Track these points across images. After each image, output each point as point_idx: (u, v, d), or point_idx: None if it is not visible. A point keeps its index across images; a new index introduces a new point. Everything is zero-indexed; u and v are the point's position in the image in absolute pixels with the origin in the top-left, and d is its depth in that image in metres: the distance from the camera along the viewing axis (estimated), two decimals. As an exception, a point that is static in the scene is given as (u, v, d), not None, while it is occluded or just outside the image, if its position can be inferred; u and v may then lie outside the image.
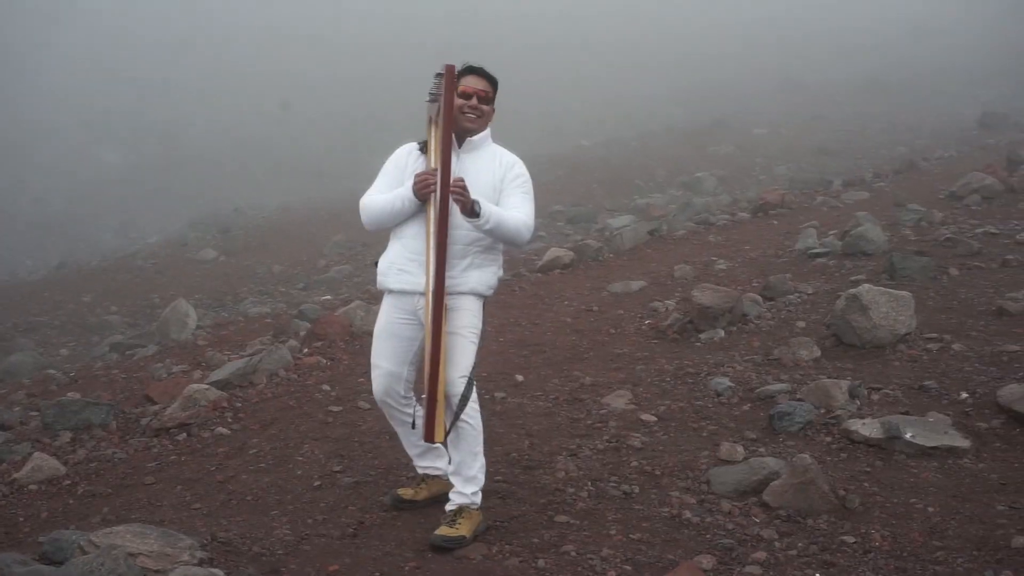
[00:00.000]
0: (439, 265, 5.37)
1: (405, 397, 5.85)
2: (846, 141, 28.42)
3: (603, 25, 54.90)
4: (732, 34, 51.93)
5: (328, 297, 15.66)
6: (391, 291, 5.77)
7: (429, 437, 5.50)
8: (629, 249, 14.68)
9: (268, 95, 46.44)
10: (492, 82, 5.78)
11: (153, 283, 19.99)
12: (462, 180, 5.38)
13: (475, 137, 5.71)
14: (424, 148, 5.73)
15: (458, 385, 5.51)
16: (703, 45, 50.32)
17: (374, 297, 13.34)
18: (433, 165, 5.53)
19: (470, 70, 5.76)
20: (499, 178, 5.70)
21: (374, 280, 5.96)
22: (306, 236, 22.72)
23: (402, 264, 5.66)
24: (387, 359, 5.80)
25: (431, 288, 5.39)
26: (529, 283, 12.94)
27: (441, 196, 5.38)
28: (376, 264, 5.87)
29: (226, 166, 38.20)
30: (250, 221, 25.76)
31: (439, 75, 5.57)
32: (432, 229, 5.47)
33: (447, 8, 57.13)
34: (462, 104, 5.62)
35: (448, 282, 5.48)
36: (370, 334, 10.36)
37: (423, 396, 5.49)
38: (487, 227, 5.46)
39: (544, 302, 11.76)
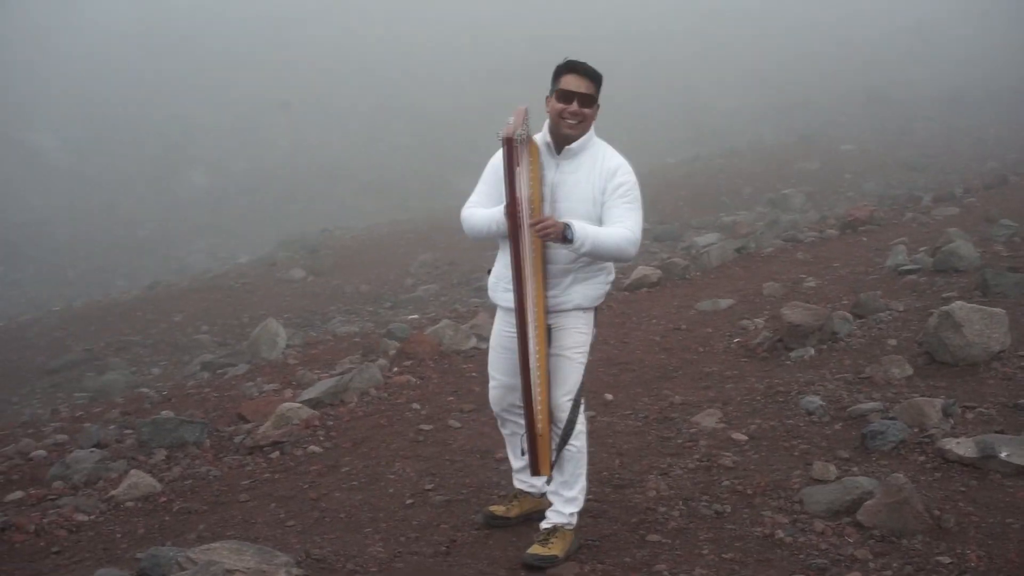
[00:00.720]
0: (520, 317, 5.29)
1: (519, 407, 5.69)
2: (934, 156, 28.10)
3: (687, 43, 54.81)
4: (816, 50, 51.62)
5: (415, 316, 15.73)
6: (499, 306, 5.71)
7: (535, 471, 5.47)
8: (716, 267, 14.61)
9: (353, 118, 46.96)
10: (596, 80, 5.46)
11: (243, 303, 20.21)
12: (546, 219, 5.17)
13: (575, 144, 5.46)
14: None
15: (564, 408, 5.47)
16: (788, 61, 50.08)
17: (462, 317, 13.42)
18: (525, 188, 5.35)
19: (570, 67, 5.47)
20: (599, 188, 5.44)
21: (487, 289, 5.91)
22: (392, 256, 22.88)
23: (507, 282, 5.46)
24: (501, 371, 5.76)
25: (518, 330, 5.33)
26: (617, 301, 12.91)
27: (514, 265, 5.24)
28: (489, 272, 5.81)
29: (313, 187, 38.68)
30: (337, 241, 25.98)
31: (553, 74, 5.51)
32: (525, 258, 5.35)
33: (525, 32, 57.34)
34: (562, 108, 5.39)
35: (552, 301, 5.45)
36: (459, 353, 10.52)
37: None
38: (583, 251, 5.26)
39: (632, 320, 11.74)
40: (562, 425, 5.48)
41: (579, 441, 5.57)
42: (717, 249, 15.40)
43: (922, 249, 13.17)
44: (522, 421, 5.65)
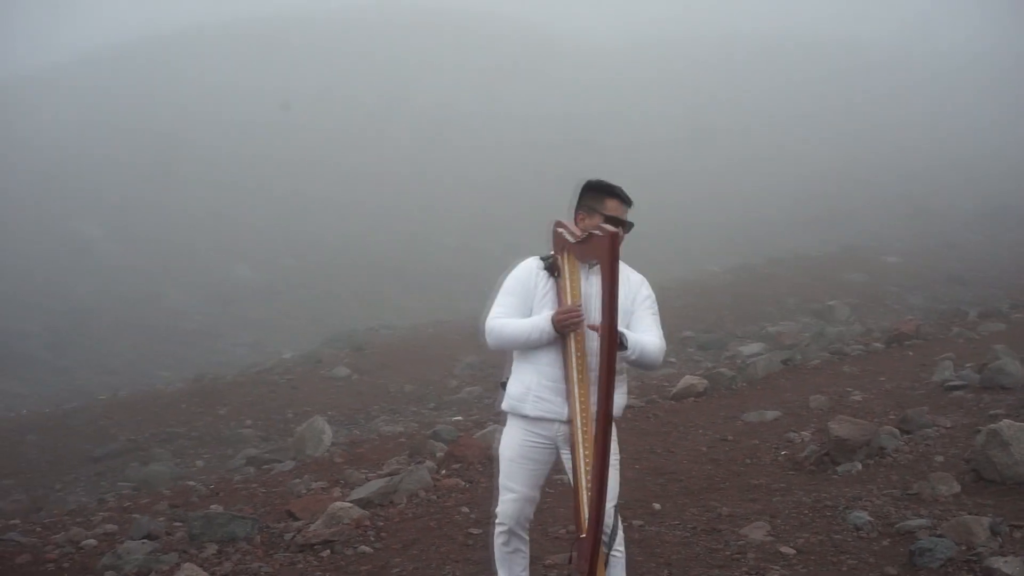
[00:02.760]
0: (603, 428, 5.15)
1: (530, 522, 5.78)
2: (980, 270, 28.11)
3: (731, 151, 55.17)
4: (859, 161, 51.86)
5: (459, 418, 15.81)
6: (527, 416, 5.61)
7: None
8: (763, 378, 14.65)
9: (399, 216, 47.42)
10: (630, 205, 5.69)
11: (287, 398, 20.33)
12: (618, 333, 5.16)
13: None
14: (551, 269, 5.62)
15: (610, 514, 5.45)
16: (831, 172, 50.31)
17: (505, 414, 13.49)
18: (570, 297, 5.51)
19: (612, 191, 5.66)
20: (630, 299, 5.57)
21: (499, 401, 5.86)
22: (436, 356, 22.97)
23: (540, 392, 5.50)
24: (523, 483, 5.64)
25: (594, 436, 5.24)
26: (663, 410, 12.97)
27: (607, 351, 5.02)
28: (503, 385, 5.78)
29: (358, 284, 38.98)
30: (382, 340, 26.13)
31: (585, 192, 5.64)
32: (572, 365, 5.45)
33: (567, 136, 57.94)
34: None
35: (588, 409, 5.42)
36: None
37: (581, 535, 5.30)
38: (633, 358, 5.39)
39: (679, 430, 11.79)
40: (609, 531, 5.46)
41: (622, 547, 5.62)
42: (764, 360, 15.44)
43: (968, 365, 13.18)
44: (527, 538, 5.77)
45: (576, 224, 5.67)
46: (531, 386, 5.57)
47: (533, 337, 5.48)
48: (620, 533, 5.62)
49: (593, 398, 5.35)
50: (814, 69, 68.28)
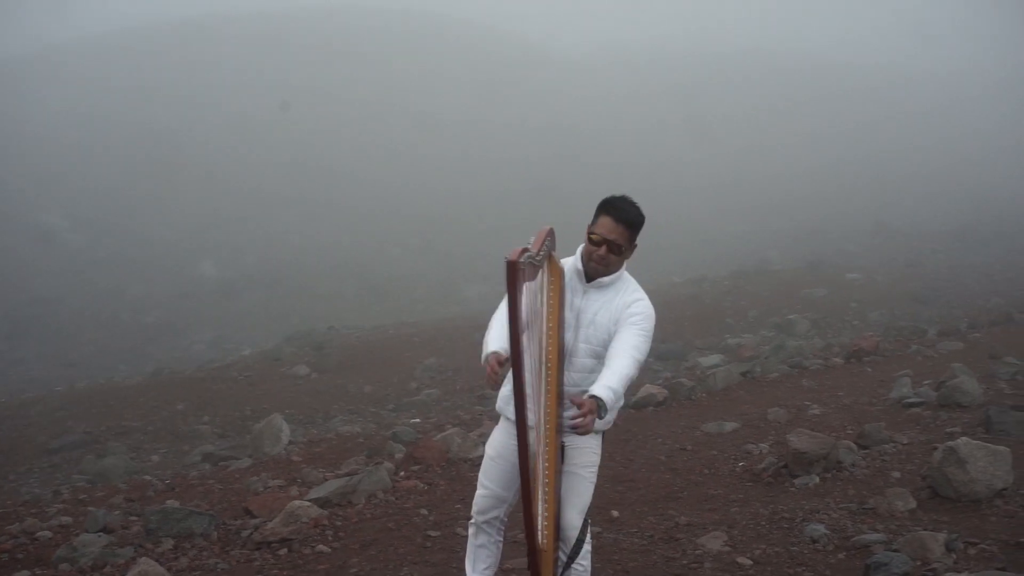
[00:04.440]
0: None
1: (502, 523, 5.80)
2: (941, 289, 28.27)
3: (700, 170, 55.46)
4: (826, 176, 52.23)
5: (418, 420, 15.79)
6: (508, 419, 5.66)
7: None
8: (722, 389, 14.71)
9: (364, 218, 47.40)
10: (632, 225, 5.51)
11: (246, 396, 20.26)
12: (581, 417, 5.02)
13: (604, 279, 5.58)
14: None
15: (575, 525, 5.48)
16: (797, 187, 50.62)
17: (466, 424, 13.50)
18: (545, 306, 5.48)
19: (608, 208, 5.52)
20: (612, 320, 5.53)
21: (495, 399, 5.88)
22: (398, 358, 22.95)
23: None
24: (496, 482, 5.70)
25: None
26: (622, 419, 12.99)
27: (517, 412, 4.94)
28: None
29: (321, 285, 38.92)
30: (343, 340, 26.07)
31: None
32: (541, 375, 5.41)
33: (543, 149, 58.07)
34: (592, 250, 5.51)
35: (569, 422, 5.29)
36: (466, 461, 10.59)
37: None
38: (617, 407, 5.46)
39: (638, 439, 11.82)
40: (571, 544, 5.49)
41: (586, 560, 5.61)
42: (723, 372, 15.50)
43: (926, 382, 13.29)
44: (498, 537, 5.78)
45: (586, 233, 5.60)
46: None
47: (483, 361, 5.38)
48: (587, 548, 5.61)
49: (572, 410, 5.22)
50: (807, 86, 68.72)
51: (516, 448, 5.24)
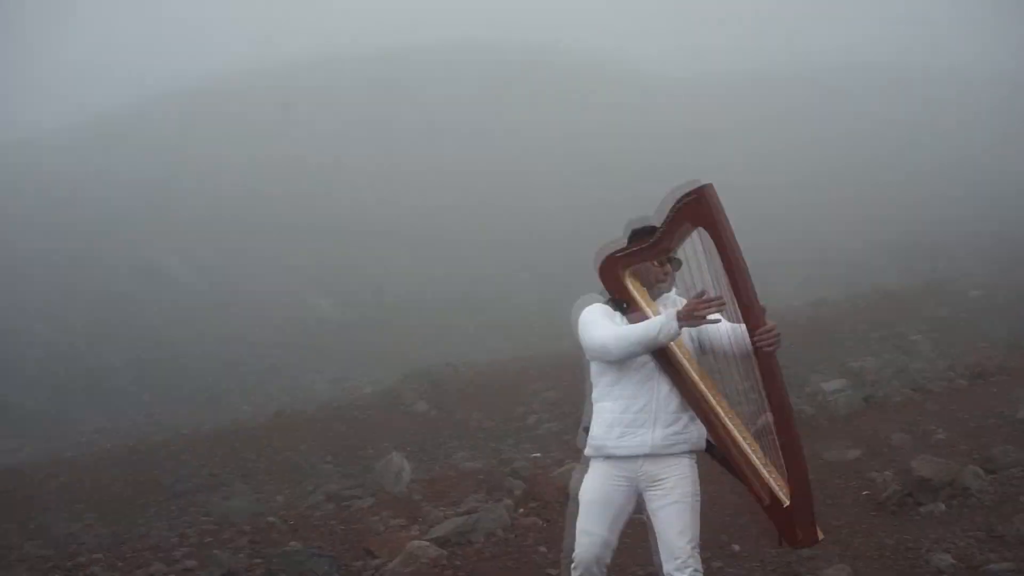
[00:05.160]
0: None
1: (606, 567, 5.74)
2: (1067, 302, 27.55)
3: (814, 184, 54.84)
4: (945, 191, 51.27)
5: (538, 455, 15.76)
6: (611, 457, 5.62)
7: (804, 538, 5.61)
8: (844, 415, 14.47)
9: (477, 252, 47.60)
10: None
11: (367, 434, 20.39)
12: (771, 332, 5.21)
13: (669, 293, 5.79)
14: (618, 306, 5.68)
15: (692, 559, 5.49)
16: (913, 205, 49.75)
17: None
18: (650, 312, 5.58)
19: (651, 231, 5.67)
20: None
21: (580, 442, 5.86)
22: (515, 392, 22.91)
23: (623, 427, 5.55)
24: (603, 526, 5.61)
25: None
26: (742, 448, 12.85)
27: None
28: (586, 430, 5.77)
29: (436, 320, 39.12)
30: (461, 375, 26.14)
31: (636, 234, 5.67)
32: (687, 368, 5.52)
33: (651, 169, 57.84)
34: (659, 271, 5.68)
35: (669, 440, 5.52)
36: (588, 499, 10.48)
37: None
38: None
39: (758, 469, 11.67)
40: (688, 572, 5.48)
41: None
42: (845, 397, 15.23)
43: (1055, 402, 12.97)
44: None
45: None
46: (613, 423, 5.60)
47: (660, 336, 5.37)
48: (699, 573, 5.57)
49: (675, 426, 5.53)
50: (906, 100, 67.59)
51: (618, 487, 5.56)
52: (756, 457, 5.42)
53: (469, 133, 65.09)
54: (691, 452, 5.62)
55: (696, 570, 5.49)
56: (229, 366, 34.82)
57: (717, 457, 5.61)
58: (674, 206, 5.31)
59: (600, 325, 5.65)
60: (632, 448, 5.54)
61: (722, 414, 5.46)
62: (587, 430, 5.76)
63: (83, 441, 26.55)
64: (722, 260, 5.17)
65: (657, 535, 5.60)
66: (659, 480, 5.56)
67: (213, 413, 28.03)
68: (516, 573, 8.26)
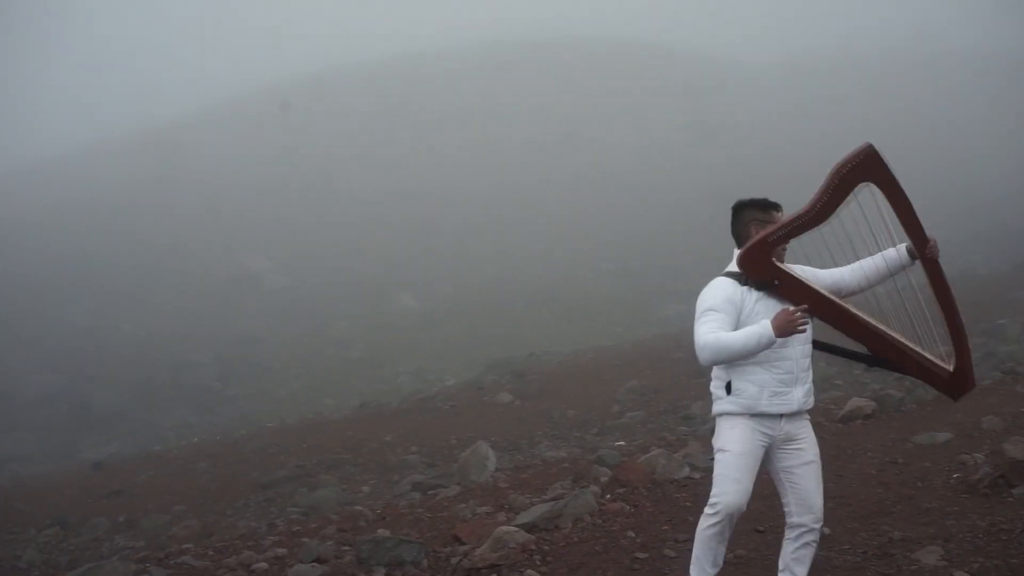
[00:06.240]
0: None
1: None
2: None
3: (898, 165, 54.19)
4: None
5: (623, 443, 15.70)
6: (759, 415, 5.94)
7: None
8: (933, 399, 14.28)
9: (557, 243, 47.59)
10: None
11: (451, 425, 20.50)
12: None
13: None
14: (751, 284, 5.95)
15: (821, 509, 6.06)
16: (999, 189, 48.98)
17: (671, 445, 13.37)
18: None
19: (776, 207, 6.14)
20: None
21: (718, 402, 6.12)
22: (598, 382, 22.91)
23: (775, 387, 5.92)
24: (750, 477, 5.97)
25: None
26: (830, 434, 12.73)
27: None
28: (727, 388, 6.02)
29: (518, 312, 39.19)
30: (543, 366, 26.19)
31: (748, 208, 6.13)
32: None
33: (724, 157, 57.50)
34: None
35: (806, 398, 6.06)
36: (672, 482, 10.50)
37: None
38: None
39: (847, 453, 11.55)
40: (819, 528, 6.08)
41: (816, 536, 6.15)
42: (934, 381, 15.02)
43: None
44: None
45: (751, 232, 6.08)
46: (765, 383, 5.94)
47: (751, 345, 5.76)
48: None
49: (803, 388, 6.07)
50: (985, 83, 66.57)
51: (761, 444, 6.01)
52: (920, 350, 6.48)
53: (549, 125, 65.12)
54: (810, 416, 6.15)
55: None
56: (312, 361, 35.19)
57: (884, 366, 6.43)
58: (837, 172, 5.92)
59: (704, 320, 5.94)
60: (781, 407, 5.94)
61: (887, 328, 6.40)
62: (729, 389, 6.02)
63: (169, 436, 26.99)
64: (893, 197, 6.09)
65: (793, 489, 6.06)
66: (794, 439, 6.04)
67: (297, 407, 28.38)
68: (604, 557, 8.24)
